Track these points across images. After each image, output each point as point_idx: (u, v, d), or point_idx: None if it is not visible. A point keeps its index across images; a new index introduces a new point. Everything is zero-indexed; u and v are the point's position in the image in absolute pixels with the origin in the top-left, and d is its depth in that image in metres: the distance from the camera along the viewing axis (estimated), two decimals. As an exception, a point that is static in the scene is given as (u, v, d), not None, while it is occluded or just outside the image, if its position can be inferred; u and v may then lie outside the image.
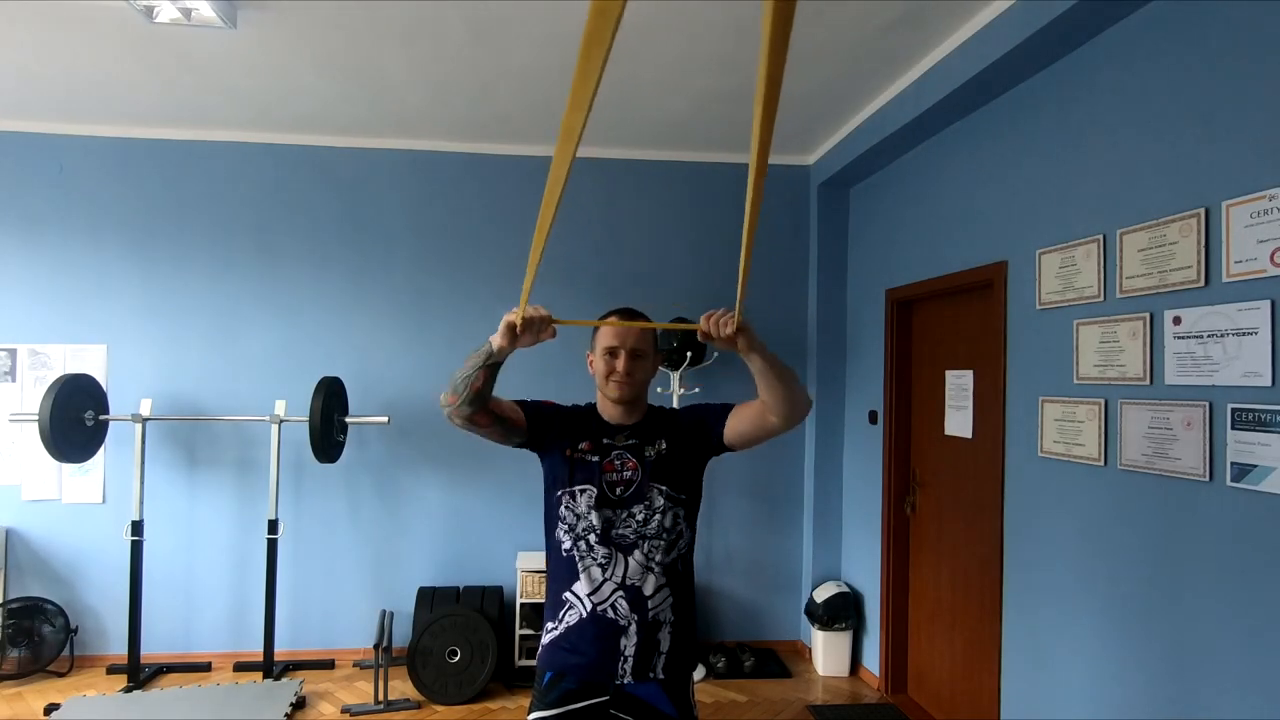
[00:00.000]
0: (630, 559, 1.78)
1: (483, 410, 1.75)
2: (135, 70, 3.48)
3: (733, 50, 3.19)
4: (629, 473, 1.82)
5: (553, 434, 1.86)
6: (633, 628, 1.76)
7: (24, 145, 4.20)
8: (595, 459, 1.82)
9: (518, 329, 1.63)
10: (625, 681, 1.76)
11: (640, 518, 1.79)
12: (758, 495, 4.63)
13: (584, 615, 1.78)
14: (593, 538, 1.78)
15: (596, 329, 1.88)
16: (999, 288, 3.03)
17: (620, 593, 1.77)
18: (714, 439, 1.86)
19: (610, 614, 1.77)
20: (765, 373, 1.68)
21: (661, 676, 1.78)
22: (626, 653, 1.76)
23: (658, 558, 1.79)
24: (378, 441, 4.37)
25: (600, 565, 1.78)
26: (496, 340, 1.66)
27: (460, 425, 1.77)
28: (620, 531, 1.79)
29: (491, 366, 1.69)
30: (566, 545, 1.81)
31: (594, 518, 1.78)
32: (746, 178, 1.14)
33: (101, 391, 3.97)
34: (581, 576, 1.78)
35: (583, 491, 1.81)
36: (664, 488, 1.81)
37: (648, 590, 1.78)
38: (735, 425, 1.83)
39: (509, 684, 3.98)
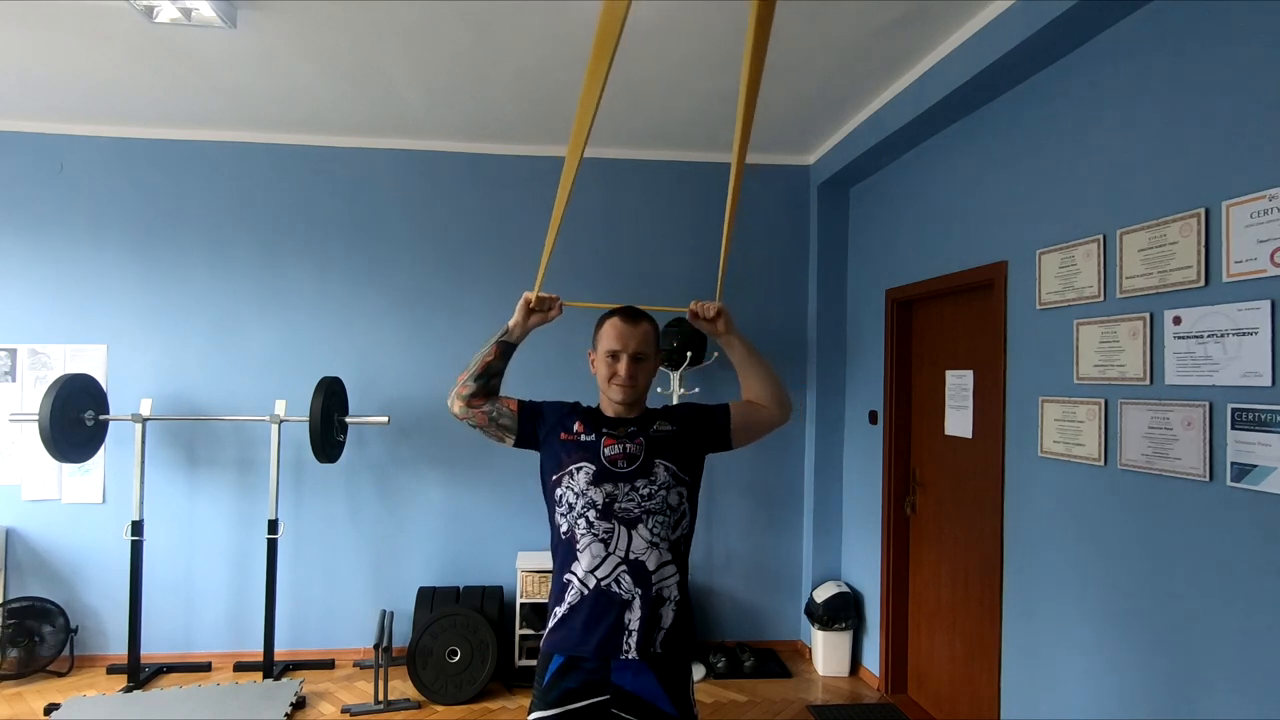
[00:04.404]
0: (634, 533, 1.79)
1: (484, 394, 1.89)
2: (135, 70, 3.48)
3: (733, 51, 3.18)
4: (633, 449, 1.84)
5: (548, 424, 1.91)
6: (637, 601, 1.77)
7: (24, 145, 4.20)
8: (591, 438, 1.85)
9: (531, 304, 1.90)
10: (629, 657, 1.75)
11: (644, 491, 1.81)
12: (758, 495, 4.63)
13: (586, 592, 1.78)
14: (593, 514, 1.79)
15: (599, 328, 1.92)
16: (999, 288, 3.03)
17: (624, 567, 1.78)
18: (720, 431, 1.94)
19: (614, 588, 1.77)
20: (745, 359, 1.94)
21: (659, 651, 1.77)
22: (631, 626, 1.76)
23: (662, 533, 1.80)
24: (378, 441, 4.37)
25: (601, 540, 1.78)
26: (512, 318, 1.90)
27: (459, 412, 1.90)
28: (623, 505, 1.80)
29: (503, 344, 1.90)
30: (565, 527, 1.82)
31: (594, 494, 1.79)
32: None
33: (101, 391, 3.96)
34: (582, 555, 1.79)
35: (580, 469, 1.82)
36: (669, 464, 1.84)
37: (651, 565, 1.79)
38: (738, 420, 1.94)
39: (509, 684, 3.98)
